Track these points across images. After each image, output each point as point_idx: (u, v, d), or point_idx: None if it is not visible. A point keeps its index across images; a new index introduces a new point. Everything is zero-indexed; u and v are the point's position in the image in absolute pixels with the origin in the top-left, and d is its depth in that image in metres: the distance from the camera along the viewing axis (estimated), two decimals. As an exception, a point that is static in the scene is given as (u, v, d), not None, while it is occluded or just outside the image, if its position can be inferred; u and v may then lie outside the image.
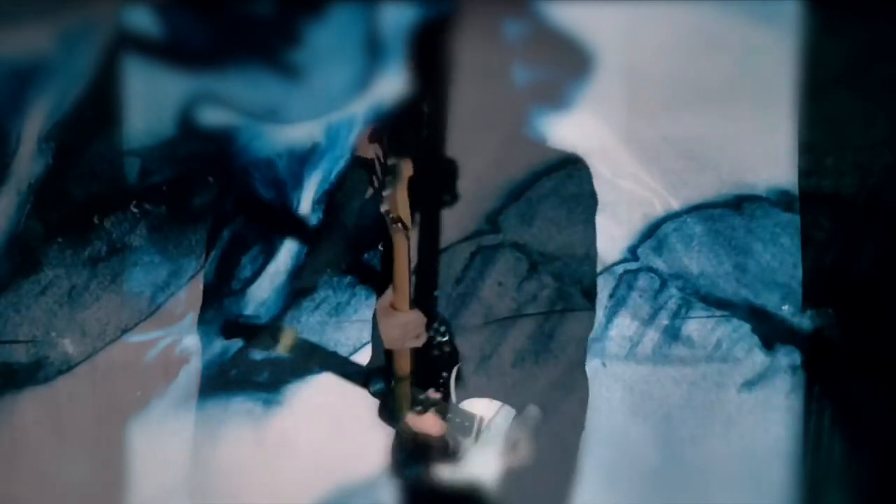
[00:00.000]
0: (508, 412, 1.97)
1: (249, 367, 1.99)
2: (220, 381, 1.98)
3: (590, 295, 2.04)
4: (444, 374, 1.94)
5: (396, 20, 1.97)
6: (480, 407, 1.95)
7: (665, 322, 2.06)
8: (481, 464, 1.96)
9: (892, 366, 2.05)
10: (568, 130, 2.02)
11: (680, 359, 2.06)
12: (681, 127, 2.06)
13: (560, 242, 2.05)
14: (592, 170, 2.03)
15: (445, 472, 1.93)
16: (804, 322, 2.08)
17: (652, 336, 2.06)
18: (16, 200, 1.96)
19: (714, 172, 2.06)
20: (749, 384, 2.03)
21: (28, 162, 1.96)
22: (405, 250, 1.56)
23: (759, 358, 2.05)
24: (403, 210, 1.47)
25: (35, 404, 2.00)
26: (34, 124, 1.96)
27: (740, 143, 2.08)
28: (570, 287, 2.04)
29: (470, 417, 1.95)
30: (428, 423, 1.89)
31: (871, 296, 2.06)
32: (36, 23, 1.93)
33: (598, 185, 2.02)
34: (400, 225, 1.46)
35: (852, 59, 2.07)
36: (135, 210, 1.97)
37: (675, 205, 2.07)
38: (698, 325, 2.06)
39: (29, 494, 2.01)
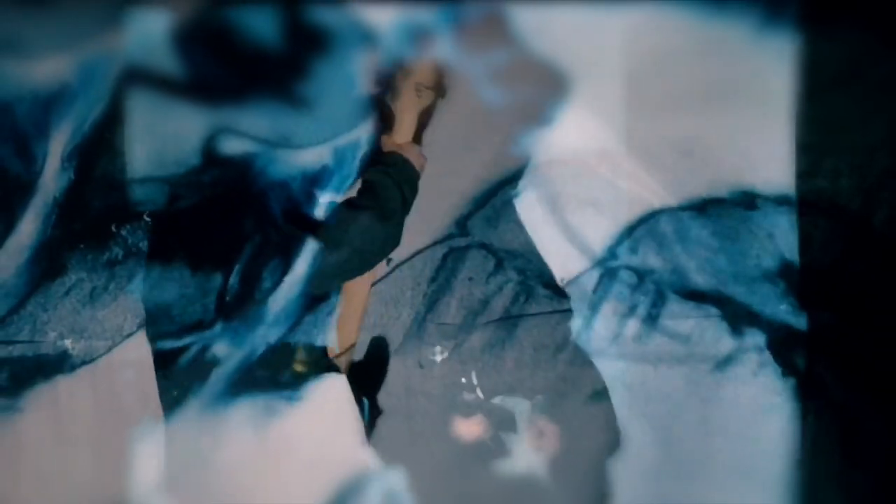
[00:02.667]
0: (522, 403, 2.07)
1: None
2: (248, 382, 2.05)
3: (550, 286, 2.14)
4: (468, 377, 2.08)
5: (395, 52, 2.06)
6: (517, 404, 2.07)
7: (643, 314, 2.12)
8: (522, 456, 2.07)
9: (883, 367, 2.07)
10: (568, 131, 2.10)
11: (658, 348, 2.12)
12: (681, 127, 2.08)
13: (522, 241, 2.16)
14: (590, 170, 2.11)
15: (495, 469, 2.06)
16: (799, 321, 2.11)
17: (632, 327, 2.12)
18: (43, 212, 2.06)
19: (713, 173, 2.10)
20: (721, 364, 2.10)
21: (53, 178, 2.05)
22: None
23: (729, 342, 2.10)
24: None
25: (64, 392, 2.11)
26: (58, 145, 2.05)
27: (739, 144, 2.09)
28: (532, 280, 2.16)
29: (509, 413, 2.04)
30: None
31: (868, 296, 2.09)
32: (58, 54, 2.01)
33: (599, 186, 2.11)
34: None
35: (850, 60, 2.06)
36: (147, 219, 2.07)
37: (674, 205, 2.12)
38: (674, 317, 2.11)
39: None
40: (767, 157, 2.10)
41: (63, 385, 2.10)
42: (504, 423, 2.09)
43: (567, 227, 2.15)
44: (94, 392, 2.11)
